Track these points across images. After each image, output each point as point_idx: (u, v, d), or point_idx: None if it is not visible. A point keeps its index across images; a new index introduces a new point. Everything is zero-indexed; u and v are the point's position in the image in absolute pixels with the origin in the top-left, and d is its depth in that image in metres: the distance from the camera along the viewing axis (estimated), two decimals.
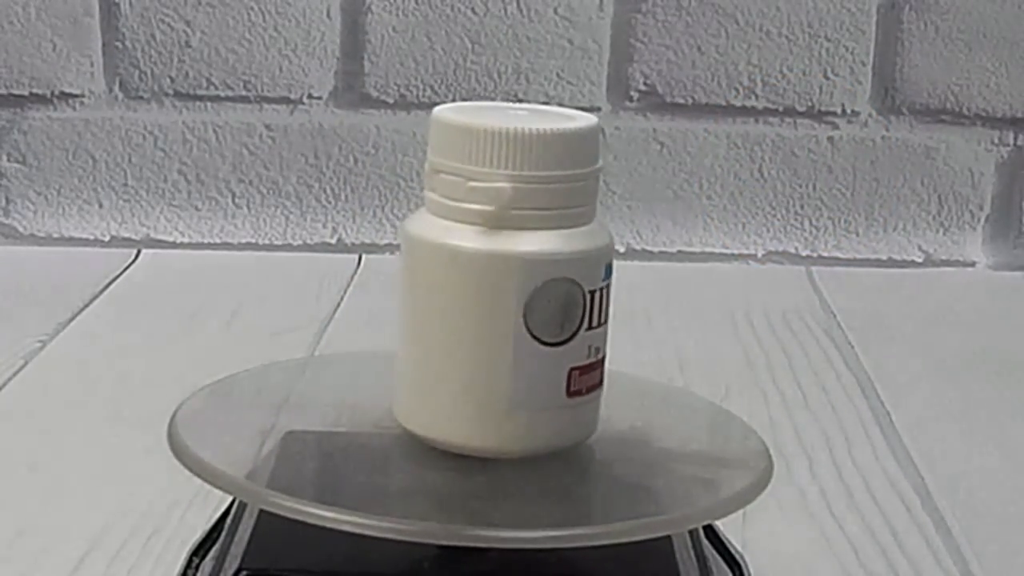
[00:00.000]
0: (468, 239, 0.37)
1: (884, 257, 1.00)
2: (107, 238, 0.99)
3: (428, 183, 0.39)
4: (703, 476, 0.41)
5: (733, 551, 0.44)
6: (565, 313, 0.38)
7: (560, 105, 1.00)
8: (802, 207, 0.99)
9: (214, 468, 0.37)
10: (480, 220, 0.37)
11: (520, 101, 0.96)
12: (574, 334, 0.38)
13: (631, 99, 0.98)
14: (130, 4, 0.96)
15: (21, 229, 0.99)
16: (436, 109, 0.39)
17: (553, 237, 0.38)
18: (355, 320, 0.84)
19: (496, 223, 0.37)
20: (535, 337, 0.38)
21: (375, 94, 0.97)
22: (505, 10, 0.96)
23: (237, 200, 0.99)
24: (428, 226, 0.38)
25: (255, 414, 0.44)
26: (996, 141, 0.98)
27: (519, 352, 0.38)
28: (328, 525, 0.35)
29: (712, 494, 0.39)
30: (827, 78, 0.97)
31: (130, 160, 0.98)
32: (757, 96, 0.98)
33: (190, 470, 0.38)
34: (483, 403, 0.38)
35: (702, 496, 0.39)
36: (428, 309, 0.38)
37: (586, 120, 0.39)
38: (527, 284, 0.37)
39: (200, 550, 0.42)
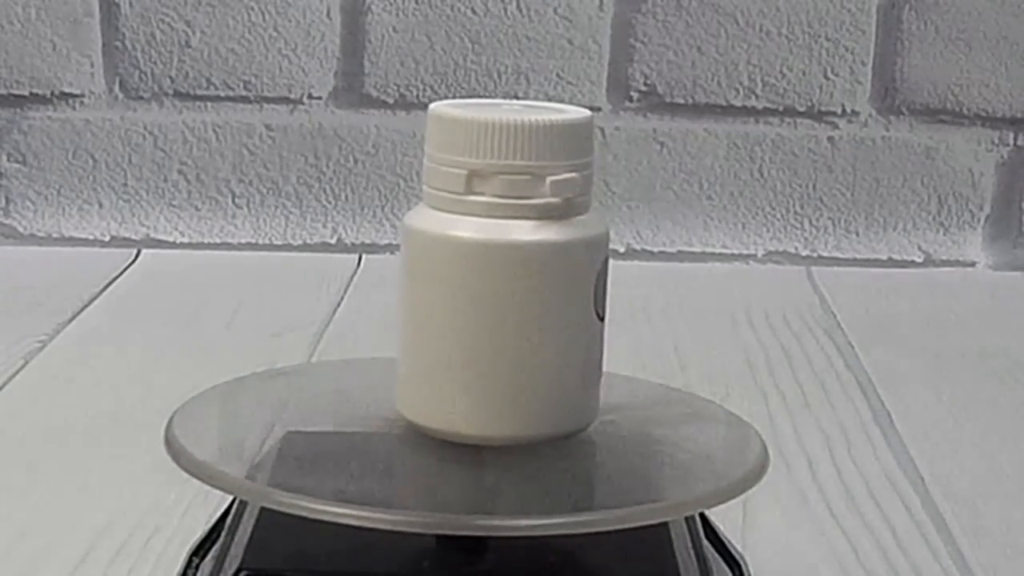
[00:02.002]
0: (542, 233, 0.38)
1: (884, 257, 1.00)
2: (107, 238, 0.99)
3: (467, 187, 0.38)
4: (700, 467, 0.41)
5: (733, 551, 0.44)
6: (606, 288, 0.40)
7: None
8: (802, 207, 0.99)
9: (213, 468, 0.37)
10: (551, 213, 0.38)
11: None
12: (605, 307, 0.40)
13: (631, 99, 0.98)
14: (130, 4, 0.96)
15: (21, 229, 0.99)
16: (443, 109, 0.39)
17: (589, 219, 0.39)
18: (355, 320, 0.84)
19: (563, 213, 0.38)
20: (597, 314, 0.39)
21: (375, 94, 0.97)
22: (505, 10, 0.96)
23: (237, 200, 0.99)
24: (479, 227, 0.38)
25: (252, 417, 0.44)
26: (996, 141, 0.98)
27: (591, 331, 0.39)
28: (327, 520, 0.35)
29: (709, 483, 0.39)
30: (827, 78, 0.97)
31: (130, 160, 0.98)
32: (757, 96, 0.98)
33: (188, 471, 0.38)
34: (560, 387, 0.39)
35: (699, 485, 0.39)
36: (489, 309, 0.38)
37: (578, 109, 0.40)
38: (596, 264, 0.39)
39: (200, 550, 0.42)
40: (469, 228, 0.38)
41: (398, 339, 0.40)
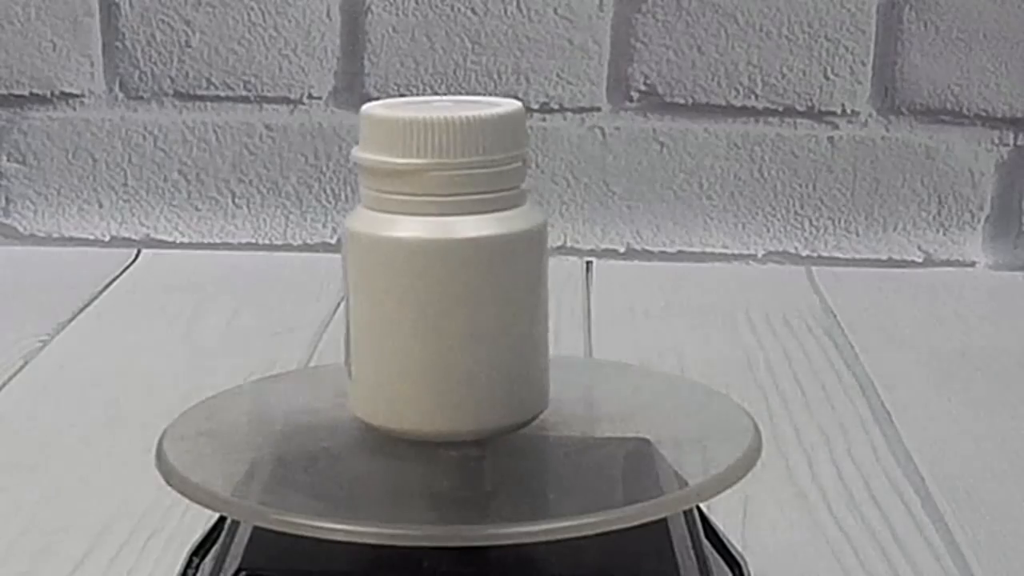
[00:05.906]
0: (484, 228, 0.38)
1: (884, 257, 1.00)
2: (107, 238, 0.99)
3: (404, 186, 0.38)
4: (693, 457, 0.41)
5: (733, 551, 0.44)
6: (547, 274, 0.41)
7: (560, 105, 0.99)
8: (802, 207, 0.99)
9: (205, 489, 0.37)
10: (491, 207, 0.38)
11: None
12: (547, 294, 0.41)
13: (631, 99, 0.98)
14: (130, 4, 0.96)
15: (21, 229, 0.99)
16: (375, 110, 0.38)
17: (528, 210, 0.39)
18: None
19: (503, 206, 0.39)
20: (541, 301, 0.40)
21: (375, 94, 0.97)
22: (505, 10, 0.96)
23: (237, 200, 0.99)
24: (421, 226, 0.38)
25: (244, 428, 0.44)
26: (996, 141, 0.98)
27: (539, 318, 0.39)
28: (328, 536, 0.35)
29: (704, 474, 0.39)
30: (827, 78, 0.97)
31: (130, 160, 0.98)
32: (757, 96, 0.98)
33: (180, 491, 0.38)
34: (513, 378, 0.39)
35: (694, 477, 0.39)
36: (437, 306, 0.38)
37: (510, 101, 0.40)
38: (538, 253, 0.39)
39: (200, 550, 0.42)
40: (411, 227, 0.38)
41: (346, 342, 0.40)
